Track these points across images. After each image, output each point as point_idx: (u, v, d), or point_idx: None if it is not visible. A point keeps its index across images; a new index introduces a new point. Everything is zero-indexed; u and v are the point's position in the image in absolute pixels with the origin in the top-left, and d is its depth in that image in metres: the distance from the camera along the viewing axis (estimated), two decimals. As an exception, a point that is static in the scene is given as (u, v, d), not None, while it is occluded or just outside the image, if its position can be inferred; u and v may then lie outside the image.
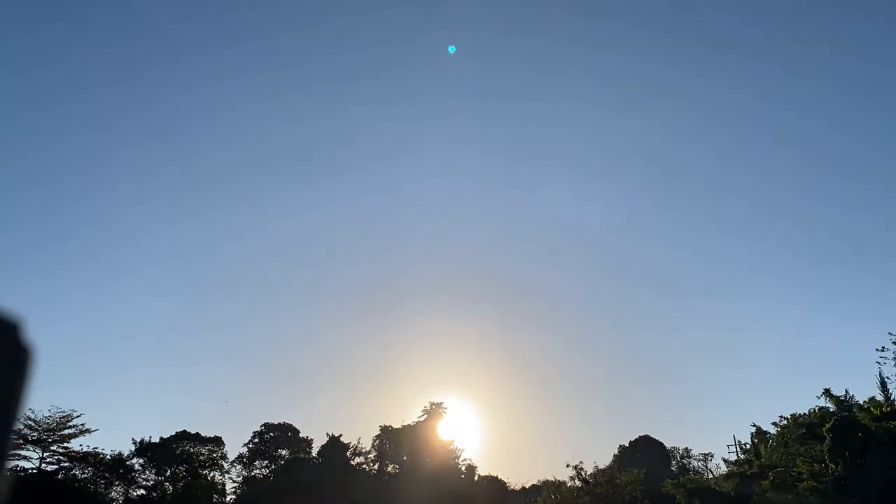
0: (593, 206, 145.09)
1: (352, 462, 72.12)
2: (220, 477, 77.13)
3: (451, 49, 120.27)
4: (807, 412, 45.24)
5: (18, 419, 1.01)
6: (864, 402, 38.61)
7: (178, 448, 74.27)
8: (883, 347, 37.66)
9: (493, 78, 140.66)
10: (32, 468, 59.17)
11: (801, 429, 43.37)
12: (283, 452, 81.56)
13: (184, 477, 72.62)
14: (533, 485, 75.03)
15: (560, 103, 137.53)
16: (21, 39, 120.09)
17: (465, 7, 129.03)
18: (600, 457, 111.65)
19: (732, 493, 50.49)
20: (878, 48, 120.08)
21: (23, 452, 58.35)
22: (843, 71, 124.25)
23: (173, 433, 75.48)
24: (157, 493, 70.58)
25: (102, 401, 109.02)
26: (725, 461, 70.91)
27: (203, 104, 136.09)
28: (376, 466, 73.69)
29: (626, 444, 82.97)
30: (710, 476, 67.48)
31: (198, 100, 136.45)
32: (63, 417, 60.99)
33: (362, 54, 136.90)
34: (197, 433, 76.61)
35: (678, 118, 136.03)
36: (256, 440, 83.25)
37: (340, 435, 73.37)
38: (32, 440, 59.14)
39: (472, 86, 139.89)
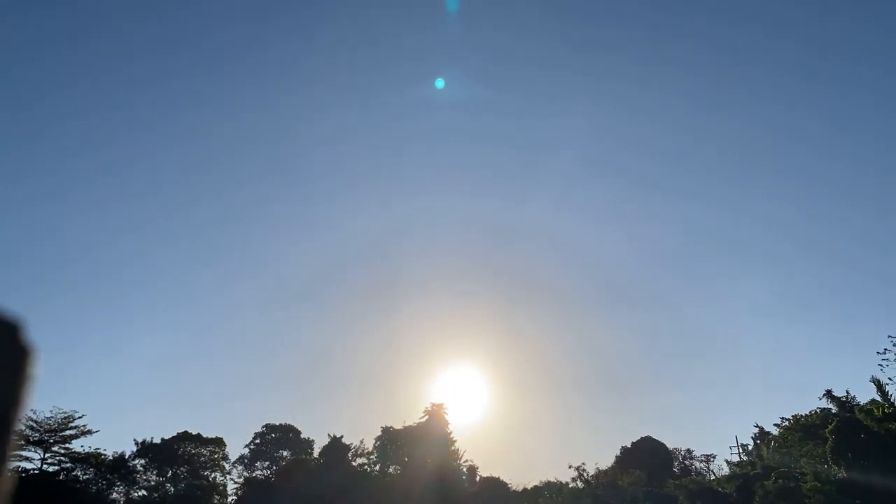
0: (595, 210, 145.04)
1: (353, 463, 72.04)
2: (221, 478, 77.22)
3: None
4: (808, 413, 45.14)
5: (20, 420, 0.99)
6: (866, 403, 38.46)
7: (179, 449, 74.32)
8: (885, 350, 37.49)
9: (497, 77, 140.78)
10: (34, 469, 59.22)
11: (803, 430, 43.27)
12: (285, 453, 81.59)
13: (185, 478, 72.63)
14: (535, 486, 74.97)
15: (562, 105, 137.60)
16: (24, 37, 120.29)
17: (467, 18, 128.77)
18: (602, 458, 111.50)
19: (735, 494, 50.37)
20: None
21: (24, 453, 58.47)
22: (842, 71, 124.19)
23: (175, 434, 75.57)
24: (159, 494, 70.59)
25: (104, 401, 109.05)
26: (728, 462, 70.89)
27: (208, 112, 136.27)
28: (378, 468, 73.58)
29: (628, 445, 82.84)
30: (713, 477, 67.33)
31: (205, 109, 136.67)
32: (65, 418, 61.07)
33: (366, 73, 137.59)
34: (198, 434, 76.66)
35: (673, 127, 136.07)
36: (258, 441, 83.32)
37: (342, 436, 73.31)
38: (34, 441, 59.18)
39: (475, 90, 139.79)
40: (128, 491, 70.12)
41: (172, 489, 71.36)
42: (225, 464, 78.30)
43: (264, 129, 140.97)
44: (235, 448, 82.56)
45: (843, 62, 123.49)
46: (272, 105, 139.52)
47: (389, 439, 74.14)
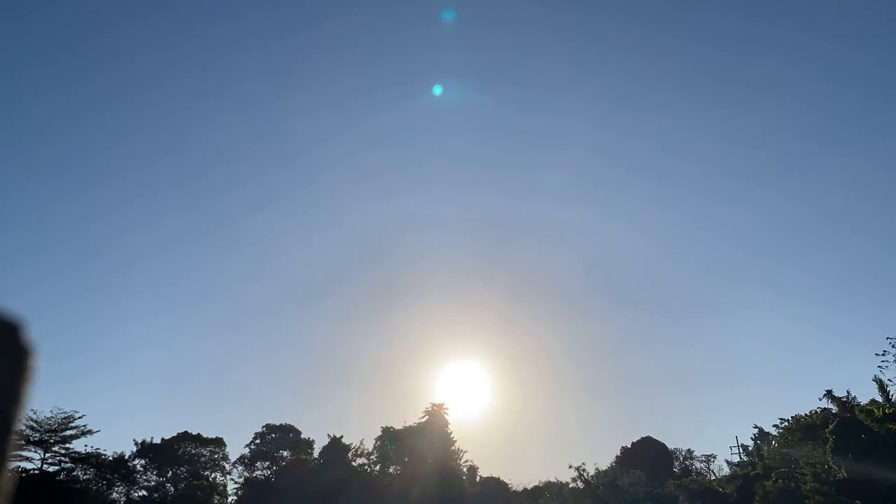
0: (596, 207, 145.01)
1: (353, 463, 72.01)
2: (221, 478, 77.21)
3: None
4: (808, 413, 45.12)
5: (20, 420, 1.00)
6: (866, 403, 38.41)
7: (179, 449, 74.35)
8: (884, 352, 37.46)
9: (495, 77, 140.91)
10: (34, 469, 59.24)
11: (803, 430, 43.24)
12: (285, 454, 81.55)
13: (185, 478, 72.63)
14: (535, 486, 74.97)
15: (562, 104, 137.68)
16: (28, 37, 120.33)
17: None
18: (602, 458, 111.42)
19: (735, 495, 50.35)
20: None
21: (25, 453, 58.44)
22: (847, 66, 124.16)
23: (175, 434, 75.62)
24: (159, 494, 70.61)
25: (104, 402, 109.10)
26: (728, 463, 70.92)
27: (210, 114, 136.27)
28: (378, 468, 73.56)
29: (629, 446, 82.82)
30: (713, 477, 67.30)
31: (204, 110, 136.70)
32: (65, 418, 61.12)
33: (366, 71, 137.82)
34: (198, 434, 76.68)
35: (676, 127, 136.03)
36: (258, 441, 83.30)
37: (342, 436, 73.30)
38: (34, 441, 59.22)
39: (473, 88, 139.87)
40: (128, 491, 70.13)
41: (172, 489, 71.37)
42: (225, 464, 78.35)
43: (261, 130, 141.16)
44: (235, 448, 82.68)
45: (847, 57, 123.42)
46: (268, 105, 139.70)
47: (390, 439, 74.11)
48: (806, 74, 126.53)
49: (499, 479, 74.21)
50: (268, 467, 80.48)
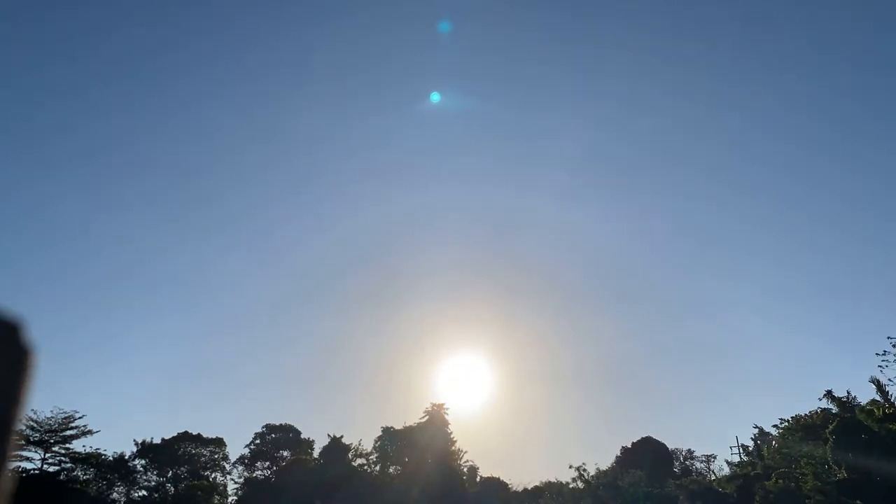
0: (597, 206, 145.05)
1: (353, 463, 72.03)
2: (221, 478, 77.24)
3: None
4: (808, 413, 45.07)
5: (20, 420, 0.99)
6: (867, 403, 38.38)
7: (179, 449, 74.37)
8: (884, 351, 37.41)
9: (496, 74, 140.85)
10: (34, 469, 59.25)
11: (804, 430, 43.21)
12: (285, 454, 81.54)
13: (185, 478, 72.65)
14: (535, 486, 74.98)
15: (561, 105, 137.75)
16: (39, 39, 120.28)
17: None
18: (602, 458, 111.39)
19: (735, 495, 50.36)
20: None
21: (25, 453, 58.47)
22: (841, 71, 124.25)
23: (175, 434, 75.65)
24: (159, 495, 70.64)
25: (104, 402, 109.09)
26: (728, 463, 70.83)
27: (211, 114, 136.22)
28: (378, 468, 73.58)
29: (629, 446, 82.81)
30: (713, 477, 67.30)
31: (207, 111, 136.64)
32: (65, 418, 61.15)
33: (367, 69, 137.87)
34: (198, 434, 76.70)
35: (676, 127, 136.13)
36: (258, 441, 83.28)
37: (342, 436, 73.32)
38: (34, 441, 59.23)
39: (475, 86, 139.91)
40: (128, 491, 70.18)
41: (173, 489, 71.39)
42: (225, 464, 78.37)
43: (262, 130, 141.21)
44: (236, 448, 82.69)
45: (842, 62, 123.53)
46: (269, 105, 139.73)
47: (390, 439, 74.13)
48: (805, 76, 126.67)
49: (499, 479, 74.29)
50: (268, 467, 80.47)
